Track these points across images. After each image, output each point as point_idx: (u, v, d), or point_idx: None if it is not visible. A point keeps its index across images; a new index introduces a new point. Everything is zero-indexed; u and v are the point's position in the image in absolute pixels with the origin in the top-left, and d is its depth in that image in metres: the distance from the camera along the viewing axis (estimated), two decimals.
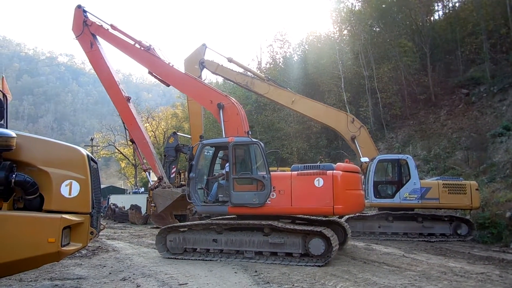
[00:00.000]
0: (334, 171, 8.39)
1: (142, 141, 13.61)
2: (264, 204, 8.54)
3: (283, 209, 8.67)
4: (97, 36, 13.76)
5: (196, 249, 9.14)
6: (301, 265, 8.02)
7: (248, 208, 8.70)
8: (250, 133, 11.56)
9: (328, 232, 8.21)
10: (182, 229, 9.34)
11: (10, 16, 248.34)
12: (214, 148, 10.01)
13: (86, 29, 13.55)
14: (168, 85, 14.05)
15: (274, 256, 8.48)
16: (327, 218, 10.12)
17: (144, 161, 13.92)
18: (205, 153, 9.92)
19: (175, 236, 9.25)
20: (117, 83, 13.81)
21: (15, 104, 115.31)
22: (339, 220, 10.58)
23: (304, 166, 8.90)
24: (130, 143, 16.29)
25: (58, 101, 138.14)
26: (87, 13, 13.77)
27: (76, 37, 13.73)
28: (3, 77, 5.76)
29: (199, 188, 9.48)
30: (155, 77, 13.99)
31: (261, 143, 9.15)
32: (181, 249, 9.15)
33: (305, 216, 9.75)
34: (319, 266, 7.90)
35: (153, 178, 14.60)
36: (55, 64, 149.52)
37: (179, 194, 11.51)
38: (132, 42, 13.50)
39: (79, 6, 13.69)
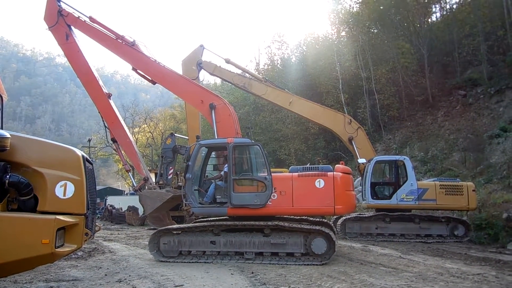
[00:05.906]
0: (334, 172, 8.64)
1: (125, 140, 12.92)
2: (265, 205, 8.59)
3: (284, 210, 8.78)
4: (73, 28, 12.91)
5: (191, 251, 9.04)
6: (301, 265, 8.14)
7: (249, 209, 8.70)
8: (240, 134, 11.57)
9: (330, 231, 8.37)
10: (176, 232, 9.18)
11: (8, 17, 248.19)
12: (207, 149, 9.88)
13: (61, 20, 12.70)
14: (154, 83, 13.45)
15: (275, 256, 8.54)
16: (315, 219, 10.18)
17: (128, 161, 13.27)
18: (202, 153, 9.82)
19: (169, 239, 9.03)
20: (96, 78, 13.07)
21: (13, 105, 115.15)
22: (325, 220, 10.70)
23: (303, 167, 9.01)
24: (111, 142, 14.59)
25: (56, 102, 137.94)
26: (61, 2, 12.99)
27: (49, 27, 12.82)
28: None
29: (196, 189, 9.36)
30: (140, 74, 13.31)
31: (260, 144, 9.20)
32: (176, 252, 8.99)
33: (296, 217, 9.82)
34: (320, 264, 8.08)
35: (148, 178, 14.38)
36: (53, 65, 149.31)
37: (170, 195, 11.24)
38: (114, 37, 12.77)
39: None
